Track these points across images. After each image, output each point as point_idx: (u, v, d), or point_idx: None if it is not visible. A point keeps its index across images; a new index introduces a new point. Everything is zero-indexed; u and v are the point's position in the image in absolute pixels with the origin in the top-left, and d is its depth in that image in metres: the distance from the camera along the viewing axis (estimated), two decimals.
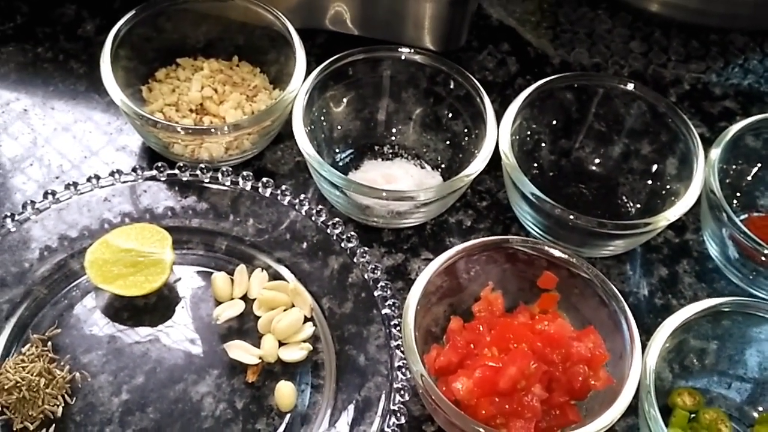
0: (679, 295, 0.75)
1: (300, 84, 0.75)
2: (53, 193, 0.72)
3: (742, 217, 0.78)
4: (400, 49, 0.78)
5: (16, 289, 0.70)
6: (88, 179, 0.73)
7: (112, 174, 0.73)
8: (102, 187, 0.73)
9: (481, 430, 0.58)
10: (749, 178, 0.79)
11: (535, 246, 0.68)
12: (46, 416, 0.64)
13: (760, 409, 0.68)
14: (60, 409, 0.64)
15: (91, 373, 0.67)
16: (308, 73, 0.77)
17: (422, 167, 0.80)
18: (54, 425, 0.64)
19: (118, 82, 0.75)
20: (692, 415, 0.67)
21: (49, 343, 0.67)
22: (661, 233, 0.78)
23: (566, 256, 0.67)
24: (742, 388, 0.69)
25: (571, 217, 0.69)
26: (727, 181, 0.76)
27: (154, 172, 0.74)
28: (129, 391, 0.66)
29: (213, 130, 0.73)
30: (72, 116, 0.82)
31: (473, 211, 0.79)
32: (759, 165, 0.79)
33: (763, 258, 0.69)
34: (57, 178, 0.78)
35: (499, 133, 0.74)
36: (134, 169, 0.74)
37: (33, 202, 0.71)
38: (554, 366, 0.63)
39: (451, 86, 0.78)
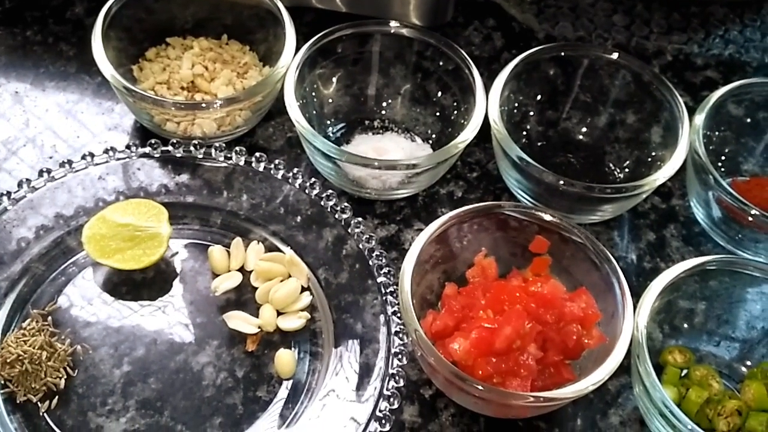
0: (667, 258, 0.76)
1: (290, 60, 0.76)
2: (48, 171, 0.72)
3: (727, 181, 0.79)
4: (388, 24, 0.79)
5: (14, 266, 0.70)
6: (83, 157, 0.74)
7: (106, 152, 0.74)
8: (96, 164, 0.74)
9: (479, 386, 0.60)
10: (732, 144, 0.81)
11: (527, 211, 0.70)
12: (48, 388, 0.65)
13: (749, 363, 0.69)
14: (63, 382, 0.65)
15: (92, 346, 0.68)
16: (297, 50, 0.77)
17: (413, 140, 0.81)
18: (57, 397, 0.64)
19: (109, 62, 0.75)
20: (683, 372, 0.68)
21: (49, 318, 0.68)
22: (647, 199, 0.79)
23: (557, 220, 0.69)
24: (730, 346, 0.70)
25: (561, 182, 0.71)
26: (711, 147, 0.78)
27: (147, 149, 0.74)
28: (130, 363, 0.67)
29: (205, 104, 0.74)
30: (63, 98, 0.83)
31: (464, 182, 0.80)
32: (741, 131, 0.81)
33: (749, 218, 0.71)
34: (50, 158, 0.79)
35: (488, 103, 0.75)
36: (128, 147, 0.75)
37: (29, 181, 0.72)
38: (548, 326, 0.64)
39: (440, 59, 0.80)
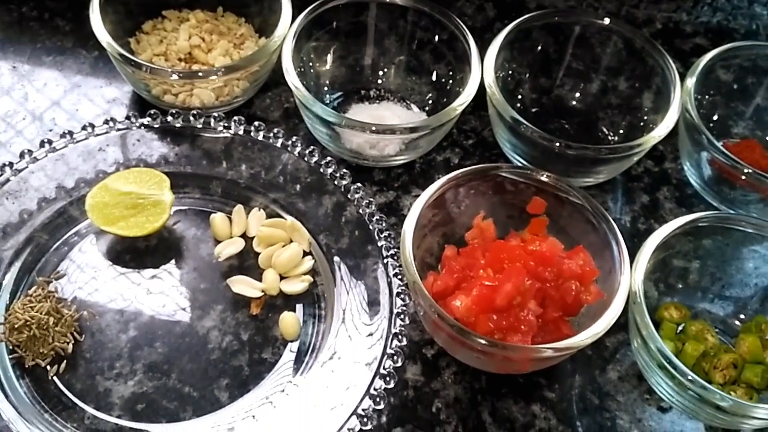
0: (661, 219, 0.78)
1: (287, 29, 0.77)
2: (50, 142, 0.73)
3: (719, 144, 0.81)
4: None
5: (18, 236, 0.71)
6: (83, 128, 0.74)
7: (106, 122, 0.75)
8: (96, 135, 0.74)
9: (482, 341, 0.61)
10: (721, 108, 0.82)
11: (523, 172, 0.71)
12: (56, 353, 0.66)
13: (743, 317, 0.71)
14: (70, 346, 0.66)
15: (97, 312, 0.68)
16: (293, 22, 0.78)
17: (409, 108, 0.83)
18: (65, 362, 0.65)
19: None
20: (680, 328, 0.70)
21: (55, 285, 0.69)
22: (641, 163, 0.81)
23: (553, 181, 0.70)
24: (725, 302, 0.72)
25: (557, 143, 0.72)
26: (702, 111, 0.79)
27: (147, 120, 0.75)
28: (136, 328, 0.68)
29: (203, 73, 0.75)
30: (61, 72, 0.84)
31: (460, 149, 0.81)
32: (730, 96, 0.82)
33: (743, 177, 0.72)
34: (50, 130, 0.79)
35: (483, 68, 0.76)
36: (128, 117, 0.75)
37: (30, 152, 0.72)
38: (547, 283, 0.65)
39: (435, 28, 0.81)
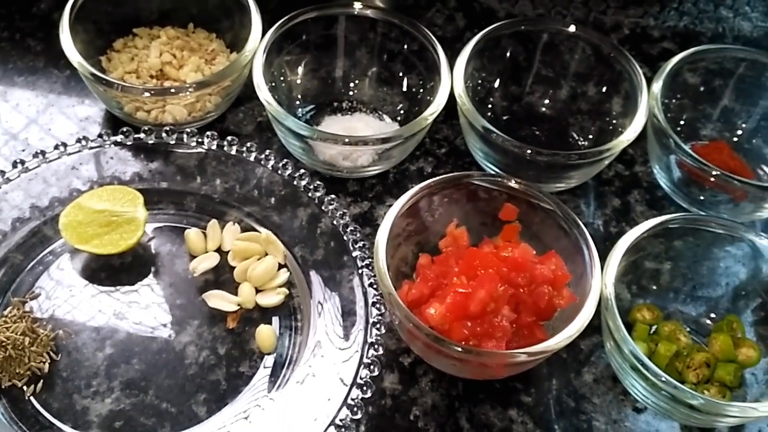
0: (632, 222, 0.79)
1: (257, 43, 0.77)
2: (22, 162, 0.73)
3: (687, 146, 0.82)
4: (352, 6, 0.81)
5: None
6: (56, 147, 0.74)
7: (78, 141, 0.75)
8: (69, 154, 0.74)
9: (457, 348, 0.61)
10: (689, 111, 0.84)
11: (494, 180, 0.72)
12: (33, 373, 0.65)
13: (714, 317, 0.72)
14: (47, 366, 0.66)
15: (73, 330, 0.68)
16: (264, 36, 0.79)
17: (381, 119, 0.83)
18: (42, 381, 0.65)
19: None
20: (652, 329, 0.71)
21: (30, 305, 0.69)
22: (611, 167, 0.82)
23: (524, 187, 0.71)
24: (696, 303, 0.73)
25: (528, 150, 0.73)
26: (670, 115, 0.80)
27: (119, 137, 0.75)
28: (112, 345, 0.68)
29: (175, 89, 0.75)
30: (33, 92, 0.84)
31: (433, 158, 0.82)
32: (697, 99, 0.83)
33: (711, 179, 0.73)
34: (23, 150, 0.79)
35: (453, 79, 0.77)
36: (100, 135, 0.75)
37: (3, 172, 0.72)
38: (520, 288, 0.66)
39: (405, 39, 0.81)
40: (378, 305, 0.67)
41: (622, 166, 0.83)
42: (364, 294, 0.68)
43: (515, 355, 0.62)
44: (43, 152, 0.74)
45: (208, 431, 0.64)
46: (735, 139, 0.84)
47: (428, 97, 0.79)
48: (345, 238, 0.71)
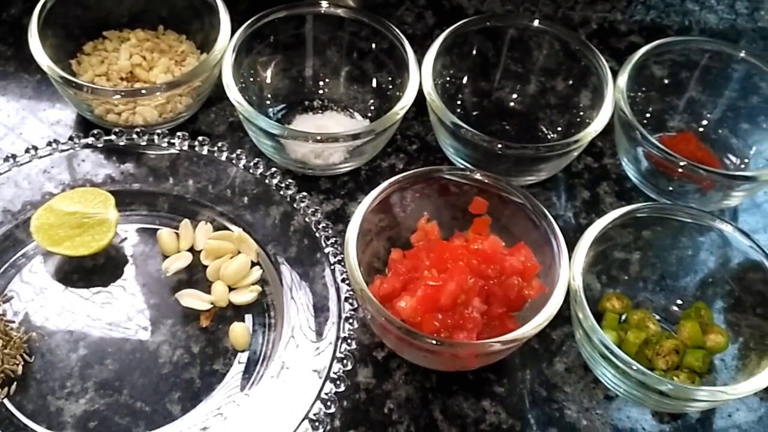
0: (602, 213, 0.78)
1: (227, 43, 0.78)
2: None
3: (655, 137, 0.83)
4: (320, 5, 0.81)
5: None
6: (26, 150, 0.74)
7: (49, 144, 0.75)
8: (40, 157, 0.75)
9: (430, 340, 0.62)
10: (656, 103, 0.85)
11: (464, 173, 0.72)
12: (6, 375, 0.65)
13: (682, 304, 0.73)
14: (20, 368, 0.66)
15: (47, 333, 0.68)
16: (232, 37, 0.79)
17: (352, 117, 0.84)
18: (15, 383, 0.65)
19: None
20: (622, 318, 0.72)
21: (3, 308, 0.69)
22: (581, 160, 0.83)
23: (494, 181, 0.71)
24: (665, 291, 0.74)
25: (499, 145, 0.73)
26: (637, 107, 0.81)
27: (90, 140, 0.75)
28: (86, 347, 0.68)
29: (145, 91, 0.75)
30: (4, 96, 0.84)
31: (404, 155, 0.83)
32: (664, 90, 0.85)
33: (679, 170, 0.74)
34: None
35: (421, 76, 0.78)
36: (71, 138, 0.76)
37: None
38: (490, 280, 0.67)
39: (374, 38, 0.82)
40: (350, 300, 0.68)
41: (591, 158, 0.84)
42: (337, 290, 0.69)
43: (486, 345, 0.63)
44: (14, 156, 0.74)
45: (182, 429, 0.64)
46: (701, 129, 0.85)
47: (398, 94, 0.80)
48: (317, 235, 0.72)
